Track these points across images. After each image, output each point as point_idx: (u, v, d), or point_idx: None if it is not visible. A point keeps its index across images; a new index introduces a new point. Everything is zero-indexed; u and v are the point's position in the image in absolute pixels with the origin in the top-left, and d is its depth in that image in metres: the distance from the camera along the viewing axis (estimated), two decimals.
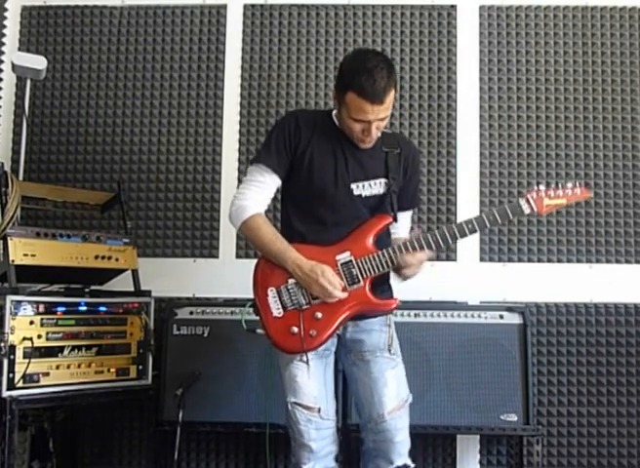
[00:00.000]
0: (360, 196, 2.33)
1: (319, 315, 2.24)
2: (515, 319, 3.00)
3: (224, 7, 3.55)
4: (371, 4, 3.51)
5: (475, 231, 2.27)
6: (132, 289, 2.99)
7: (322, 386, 2.31)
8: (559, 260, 3.35)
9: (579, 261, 3.34)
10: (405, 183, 2.41)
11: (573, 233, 3.36)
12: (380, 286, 2.34)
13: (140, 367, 2.92)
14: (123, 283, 3.04)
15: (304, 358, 2.28)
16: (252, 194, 2.32)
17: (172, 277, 3.36)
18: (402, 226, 2.46)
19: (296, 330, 2.23)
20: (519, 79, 3.45)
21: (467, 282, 3.30)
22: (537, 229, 3.36)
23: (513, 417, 2.92)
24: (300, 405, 2.28)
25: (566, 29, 3.47)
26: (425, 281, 3.31)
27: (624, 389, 3.25)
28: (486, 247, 3.36)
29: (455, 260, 3.35)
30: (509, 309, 3.03)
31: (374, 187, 2.34)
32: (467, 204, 3.37)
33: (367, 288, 2.26)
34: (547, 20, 3.48)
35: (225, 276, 3.32)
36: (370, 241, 2.28)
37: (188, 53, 3.55)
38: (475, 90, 3.44)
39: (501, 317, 3.01)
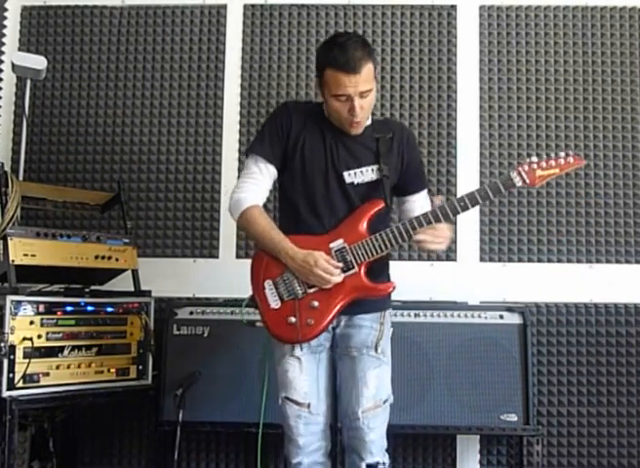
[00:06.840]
0: (352, 184, 2.31)
1: (315, 304, 2.23)
2: (515, 319, 3.00)
3: (224, 7, 3.55)
4: (371, 4, 3.51)
5: (467, 208, 2.23)
6: (132, 289, 2.99)
7: (313, 382, 2.31)
8: (559, 260, 3.35)
9: (579, 261, 3.34)
10: (406, 166, 2.39)
11: (573, 233, 3.36)
12: (377, 272, 2.31)
13: (140, 367, 2.92)
14: (123, 283, 3.04)
15: (296, 353, 2.28)
16: (248, 186, 2.34)
17: (172, 277, 3.36)
18: (420, 208, 2.41)
19: (293, 319, 2.22)
20: (519, 79, 3.45)
21: (467, 282, 3.30)
22: (537, 229, 3.36)
23: (513, 417, 2.92)
24: (290, 400, 2.29)
25: (566, 29, 3.47)
26: (425, 281, 3.32)
27: (624, 389, 3.25)
28: (486, 247, 3.36)
29: (455, 260, 3.35)
30: (509, 309, 3.02)
31: (365, 174, 2.32)
32: None
33: (362, 273, 2.24)
34: (547, 20, 3.48)
35: (225, 276, 3.32)
36: (362, 227, 2.27)
37: (188, 53, 3.55)
38: (475, 90, 3.44)
39: (501, 317, 3.01)
